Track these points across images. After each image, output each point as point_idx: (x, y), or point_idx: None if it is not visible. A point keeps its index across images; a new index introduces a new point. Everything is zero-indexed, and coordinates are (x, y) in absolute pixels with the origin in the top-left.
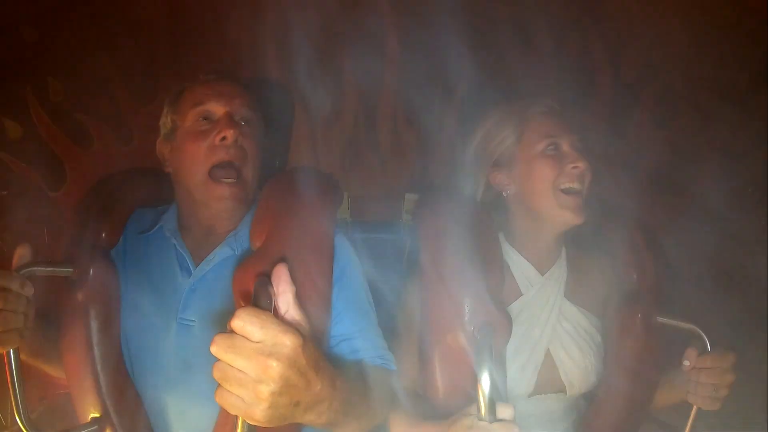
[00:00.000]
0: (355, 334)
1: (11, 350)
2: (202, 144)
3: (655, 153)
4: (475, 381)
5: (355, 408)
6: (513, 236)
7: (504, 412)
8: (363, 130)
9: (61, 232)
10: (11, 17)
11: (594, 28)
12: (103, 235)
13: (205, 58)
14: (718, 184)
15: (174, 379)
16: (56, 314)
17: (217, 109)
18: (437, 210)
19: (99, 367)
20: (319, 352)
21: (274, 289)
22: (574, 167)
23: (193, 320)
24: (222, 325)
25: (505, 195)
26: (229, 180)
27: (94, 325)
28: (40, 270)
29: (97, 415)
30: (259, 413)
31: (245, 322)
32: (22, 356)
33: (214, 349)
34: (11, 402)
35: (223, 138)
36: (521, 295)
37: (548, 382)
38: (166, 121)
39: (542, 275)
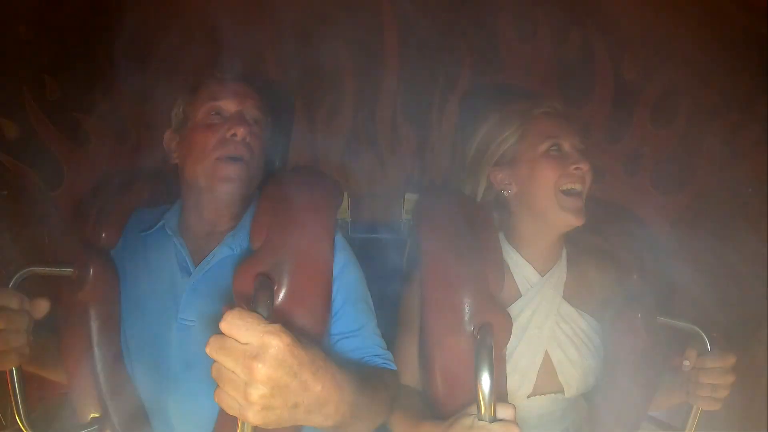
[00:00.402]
0: (354, 333)
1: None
2: (213, 137)
3: (655, 153)
4: (474, 381)
5: (363, 410)
6: (513, 236)
7: (504, 412)
8: (363, 130)
9: (61, 231)
10: (7, 15)
11: (594, 28)
12: (103, 235)
13: (204, 57)
14: (718, 184)
15: (174, 379)
16: (56, 314)
17: (229, 107)
18: (437, 210)
19: (99, 367)
20: (315, 351)
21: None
22: (576, 168)
23: (192, 320)
24: None
25: (506, 195)
26: (236, 162)
27: (94, 325)
28: (40, 270)
29: (97, 415)
30: (251, 416)
31: (231, 325)
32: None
33: (208, 350)
34: (11, 402)
35: (234, 134)
36: (520, 296)
37: (547, 382)
38: (178, 113)
39: (542, 276)
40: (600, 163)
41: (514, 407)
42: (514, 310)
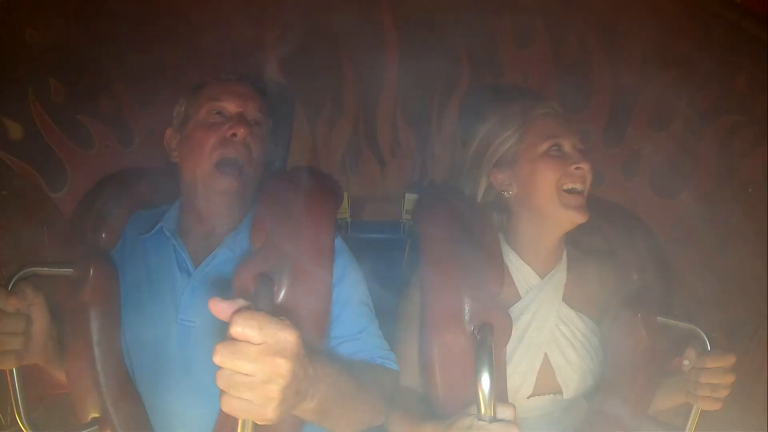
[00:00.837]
0: (355, 336)
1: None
2: (213, 136)
3: (653, 156)
4: (474, 381)
5: (347, 397)
6: (513, 238)
7: (504, 412)
8: (363, 130)
9: (62, 232)
10: (13, 18)
11: (591, 33)
12: (103, 236)
13: (206, 60)
14: (716, 185)
15: (174, 379)
16: (56, 315)
17: (231, 107)
18: (437, 210)
19: (99, 368)
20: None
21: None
22: (577, 168)
23: (192, 321)
24: (222, 326)
25: (507, 195)
26: (233, 174)
27: (94, 326)
28: (40, 270)
29: (97, 415)
30: (271, 412)
31: (243, 327)
32: (40, 363)
33: (218, 359)
34: (11, 402)
35: (234, 134)
36: (520, 298)
37: (546, 384)
38: (180, 111)
39: (541, 279)
40: (598, 167)
41: (514, 407)
42: (513, 312)
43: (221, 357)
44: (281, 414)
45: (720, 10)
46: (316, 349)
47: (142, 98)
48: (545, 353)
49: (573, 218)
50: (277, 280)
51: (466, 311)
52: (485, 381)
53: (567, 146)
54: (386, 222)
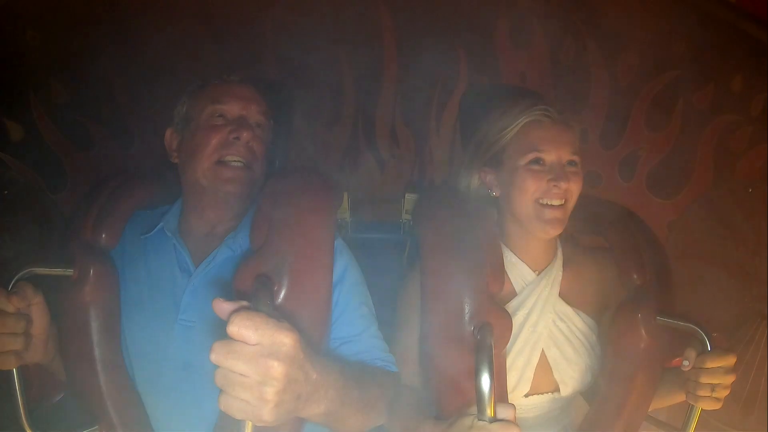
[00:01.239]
0: (355, 337)
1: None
2: (215, 137)
3: (650, 156)
4: (474, 381)
5: (352, 397)
6: (505, 235)
7: (504, 412)
8: (363, 131)
9: (62, 233)
10: (15, 20)
11: (592, 28)
12: (103, 236)
13: (206, 62)
14: (714, 185)
15: (174, 379)
16: (56, 315)
17: (233, 110)
18: (437, 209)
19: (99, 368)
20: (306, 342)
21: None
22: (554, 185)
23: (193, 321)
24: (222, 326)
25: (493, 196)
26: (237, 163)
27: (95, 326)
28: (40, 270)
29: (98, 415)
30: (266, 414)
31: (239, 327)
32: (40, 363)
33: (214, 357)
34: (11, 402)
35: (236, 137)
36: (516, 294)
37: (544, 381)
38: (180, 111)
39: (537, 275)
40: (596, 169)
41: (515, 407)
42: (509, 308)
43: (217, 355)
44: (279, 417)
45: (716, 11)
46: (321, 353)
47: (141, 99)
48: (542, 350)
49: (546, 232)
50: (277, 281)
51: (466, 311)
52: (485, 381)
53: (552, 159)
54: (386, 222)
